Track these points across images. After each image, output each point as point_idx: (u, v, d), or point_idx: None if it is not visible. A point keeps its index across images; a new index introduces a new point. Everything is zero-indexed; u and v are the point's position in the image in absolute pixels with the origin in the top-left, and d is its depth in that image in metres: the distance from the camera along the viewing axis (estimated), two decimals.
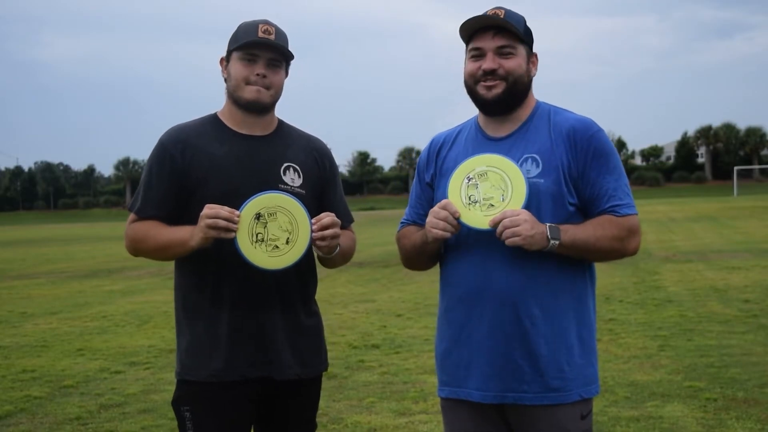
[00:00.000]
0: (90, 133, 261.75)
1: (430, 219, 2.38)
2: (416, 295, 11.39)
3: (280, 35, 2.65)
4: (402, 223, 2.65)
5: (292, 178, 2.68)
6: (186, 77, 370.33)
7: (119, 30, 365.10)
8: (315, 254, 2.75)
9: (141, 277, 16.29)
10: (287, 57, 2.68)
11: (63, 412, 5.72)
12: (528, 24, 2.51)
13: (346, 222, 2.79)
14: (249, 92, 2.63)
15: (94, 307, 11.69)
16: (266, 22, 2.65)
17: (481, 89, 2.45)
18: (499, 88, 2.43)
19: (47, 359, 7.75)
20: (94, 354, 7.95)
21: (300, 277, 2.69)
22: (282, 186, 2.64)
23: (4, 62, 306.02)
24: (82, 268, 19.38)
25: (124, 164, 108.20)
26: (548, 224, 2.34)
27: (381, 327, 8.81)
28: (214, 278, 2.64)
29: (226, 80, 2.69)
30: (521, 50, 2.45)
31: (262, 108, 2.66)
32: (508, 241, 2.30)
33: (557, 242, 2.32)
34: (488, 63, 2.43)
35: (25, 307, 11.96)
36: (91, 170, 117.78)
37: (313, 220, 2.52)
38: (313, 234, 2.51)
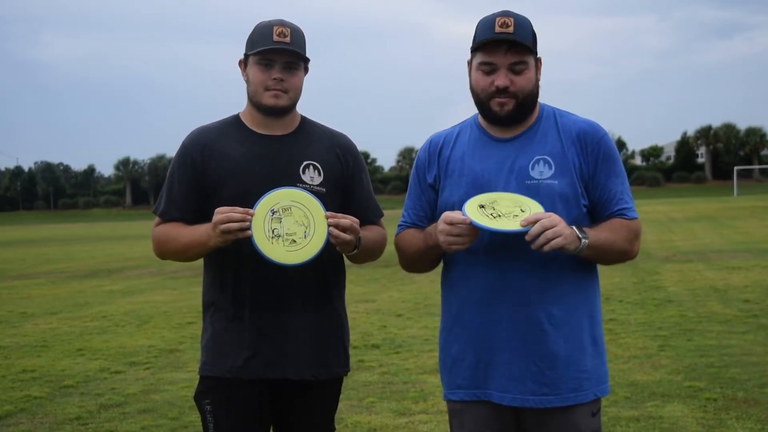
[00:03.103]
0: (90, 133, 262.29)
1: (444, 238, 2.32)
2: (416, 295, 11.39)
3: (296, 35, 2.65)
4: (400, 225, 2.62)
5: (312, 176, 2.68)
6: (186, 77, 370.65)
7: (119, 30, 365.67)
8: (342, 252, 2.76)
9: (141, 276, 16.28)
10: (304, 59, 2.69)
11: (63, 412, 5.72)
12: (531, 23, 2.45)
13: (374, 217, 2.82)
14: (267, 98, 2.64)
15: (94, 307, 11.68)
16: (281, 23, 2.64)
17: (494, 106, 2.41)
18: (510, 105, 2.40)
19: (47, 359, 7.75)
20: (94, 354, 7.95)
21: (322, 278, 2.70)
22: (300, 185, 2.64)
23: (4, 62, 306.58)
24: (82, 268, 19.37)
25: (124, 164, 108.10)
26: (573, 225, 2.32)
27: (381, 327, 8.81)
28: (234, 277, 2.66)
29: (246, 83, 2.70)
30: (531, 61, 2.41)
31: (281, 112, 2.68)
32: (551, 243, 2.23)
33: (587, 241, 2.31)
34: (502, 80, 2.38)
35: (25, 307, 11.95)
36: (91, 170, 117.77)
37: (329, 214, 2.50)
38: (331, 230, 2.49)
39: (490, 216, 2.31)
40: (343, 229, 2.50)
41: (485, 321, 2.43)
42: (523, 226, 2.26)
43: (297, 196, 2.52)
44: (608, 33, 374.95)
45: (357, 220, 2.55)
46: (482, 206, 2.34)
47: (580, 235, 2.30)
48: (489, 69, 2.40)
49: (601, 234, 2.37)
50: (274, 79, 2.63)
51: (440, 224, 2.35)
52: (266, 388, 2.67)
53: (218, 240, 2.50)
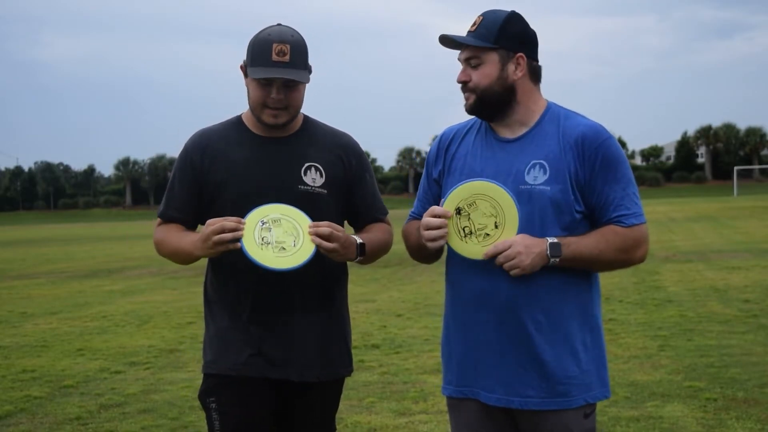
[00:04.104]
0: (90, 133, 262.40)
1: (425, 233, 2.39)
2: (416, 295, 11.39)
3: (296, 51, 2.58)
4: (410, 216, 2.66)
5: (314, 177, 2.67)
6: (186, 77, 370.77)
7: (119, 30, 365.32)
8: None
9: (141, 276, 16.28)
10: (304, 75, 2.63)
11: (63, 412, 5.72)
12: (519, 21, 2.46)
13: (380, 214, 2.82)
14: (266, 116, 2.63)
15: (94, 307, 11.68)
16: (281, 39, 2.58)
17: (463, 100, 2.50)
18: (471, 100, 2.46)
19: (47, 359, 7.75)
20: (94, 354, 7.95)
21: (325, 278, 2.70)
22: (302, 187, 2.64)
23: (4, 62, 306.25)
24: (82, 268, 19.37)
25: (124, 164, 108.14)
26: (549, 241, 2.33)
27: (381, 327, 8.81)
28: (236, 275, 2.66)
29: (247, 88, 2.68)
30: (491, 57, 2.43)
31: (281, 127, 2.67)
32: (511, 273, 2.33)
33: (557, 259, 2.33)
34: (459, 75, 2.48)
35: (25, 307, 11.95)
36: (91, 170, 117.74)
37: (311, 224, 2.51)
38: (312, 239, 2.50)
39: (462, 233, 2.37)
40: (325, 238, 2.50)
41: (475, 321, 2.45)
42: (483, 258, 2.35)
43: (286, 210, 2.53)
44: (608, 33, 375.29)
45: (338, 227, 2.54)
46: (459, 210, 2.37)
47: (549, 254, 2.32)
48: (461, 65, 2.50)
49: (584, 246, 2.35)
50: (273, 98, 2.60)
51: (423, 219, 2.41)
52: (270, 386, 2.68)
53: (206, 252, 2.52)
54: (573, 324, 2.42)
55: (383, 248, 2.78)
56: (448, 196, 2.39)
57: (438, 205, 2.55)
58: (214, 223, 2.47)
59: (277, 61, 2.56)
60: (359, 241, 2.61)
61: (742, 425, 4.83)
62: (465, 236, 2.37)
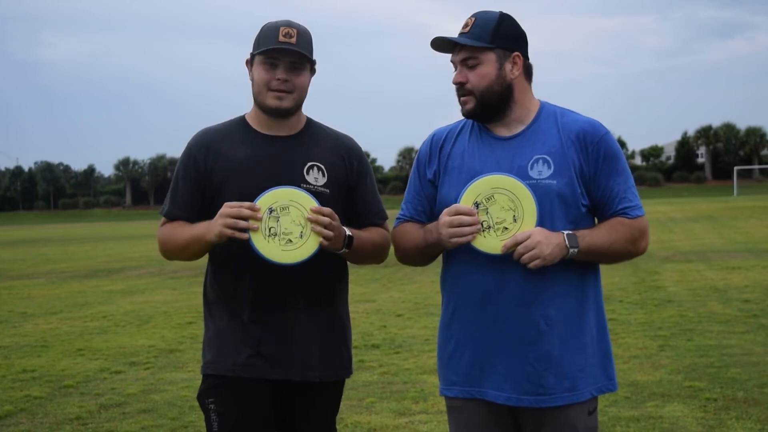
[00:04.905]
0: (90, 133, 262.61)
1: (450, 230, 2.36)
2: (416, 295, 11.39)
3: (303, 37, 2.64)
4: (399, 218, 2.64)
5: (316, 177, 2.68)
6: (185, 77, 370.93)
7: (119, 30, 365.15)
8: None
9: (141, 277, 16.28)
10: (310, 59, 2.67)
11: (63, 412, 5.72)
12: (512, 21, 2.48)
13: (378, 219, 2.81)
14: (270, 99, 2.64)
15: (94, 307, 11.69)
16: (288, 24, 2.64)
17: (460, 103, 2.49)
18: (471, 104, 2.46)
19: (47, 359, 7.75)
20: (94, 354, 7.95)
21: (325, 279, 2.69)
22: (304, 186, 2.64)
23: (4, 62, 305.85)
24: (82, 268, 19.37)
25: (124, 164, 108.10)
26: (565, 233, 2.35)
27: (381, 327, 8.81)
28: (236, 274, 2.66)
29: (251, 82, 2.69)
30: (488, 57, 2.44)
31: (285, 113, 2.67)
32: (530, 265, 2.32)
33: (576, 250, 2.34)
34: (456, 76, 2.48)
35: (25, 307, 11.96)
36: (91, 170, 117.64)
37: (313, 208, 2.51)
38: (316, 229, 2.49)
39: (482, 226, 2.36)
40: (326, 226, 2.50)
41: (481, 320, 2.44)
42: (502, 251, 2.35)
43: (296, 196, 2.52)
44: (608, 33, 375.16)
45: (336, 216, 2.54)
46: (477, 204, 2.37)
47: (568, 244, 2.33)
48: (454, 67, 2.49)
49: (597, 238, 2.38)
50: (278, 79, 2.62)
51: (443, 217, 2.38)
52: (269, 387, 2.67)
53: (217, 233, 2.50)
54: (582, 318, 2.44)
55: (375, 250, 2.76)
56: (466, 191, 2.39)
57: (432, 206, 2.55)
58: (231, 206, 2.48)
59: (284, 42, 2.60)
60: (348, 233, 2.61)
61: (742, 425, 4.83)
62: (483, 230, 2.37)
